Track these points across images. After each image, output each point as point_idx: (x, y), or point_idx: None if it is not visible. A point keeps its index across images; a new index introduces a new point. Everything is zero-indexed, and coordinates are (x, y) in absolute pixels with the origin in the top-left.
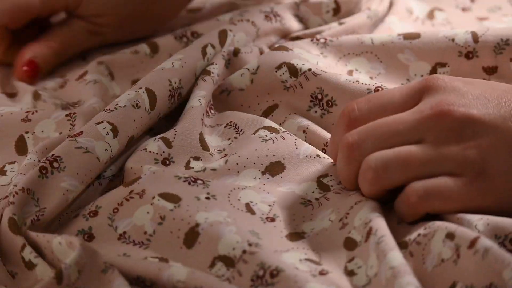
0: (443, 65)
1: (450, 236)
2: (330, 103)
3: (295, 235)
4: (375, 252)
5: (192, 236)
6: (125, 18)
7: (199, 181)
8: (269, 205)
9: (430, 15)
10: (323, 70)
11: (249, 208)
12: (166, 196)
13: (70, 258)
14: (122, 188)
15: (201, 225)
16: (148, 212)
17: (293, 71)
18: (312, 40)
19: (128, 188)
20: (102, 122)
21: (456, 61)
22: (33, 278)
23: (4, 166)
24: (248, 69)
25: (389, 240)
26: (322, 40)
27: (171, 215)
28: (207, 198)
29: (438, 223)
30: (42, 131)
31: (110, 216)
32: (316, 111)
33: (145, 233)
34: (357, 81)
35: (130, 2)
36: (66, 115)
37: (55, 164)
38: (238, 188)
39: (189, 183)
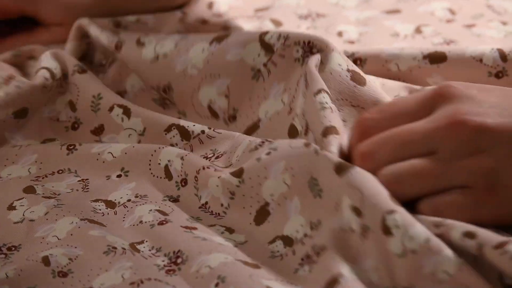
0: None
1: (470, 235)
2: None
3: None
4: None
5: (263, 215)
6: None
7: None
8: None
9: (418, 31)
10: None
11: None
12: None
13: None
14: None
15: (270, 205)
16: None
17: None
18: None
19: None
20: (215, 225)
21: (486, 82)
22: None
23: (12, 203)
24: None
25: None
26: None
27: (240, 192)
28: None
29: (449, 221)
30: (53, 186)
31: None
32: None
33: (222, 205)
34: None
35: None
36: (79, 181)
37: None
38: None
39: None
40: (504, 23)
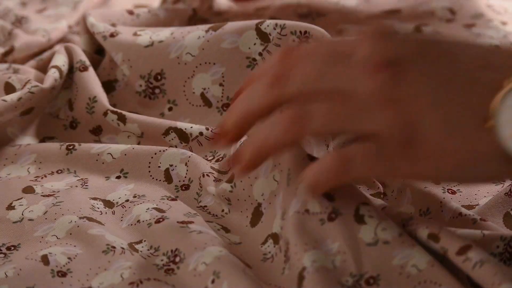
0: None
1: (434, 238)
2: None
3: None
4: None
5: (257, 217)
6: None
7: None
8: None
9: (417, 30)
10: None
11: None
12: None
13: None
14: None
15: (262, 205)
16: (214, 195)
17: None
18: None
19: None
20: (212, 222)
21: None
22: None
23: (11, 203)
24: None
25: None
26: None
27: (234, 196)
28: None
29: (415, 220)
30: (52, 186)
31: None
32: None
33: (222, 210)
34: None
35: None
36: (78, 180)
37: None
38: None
39: None
40: (504, 23)
